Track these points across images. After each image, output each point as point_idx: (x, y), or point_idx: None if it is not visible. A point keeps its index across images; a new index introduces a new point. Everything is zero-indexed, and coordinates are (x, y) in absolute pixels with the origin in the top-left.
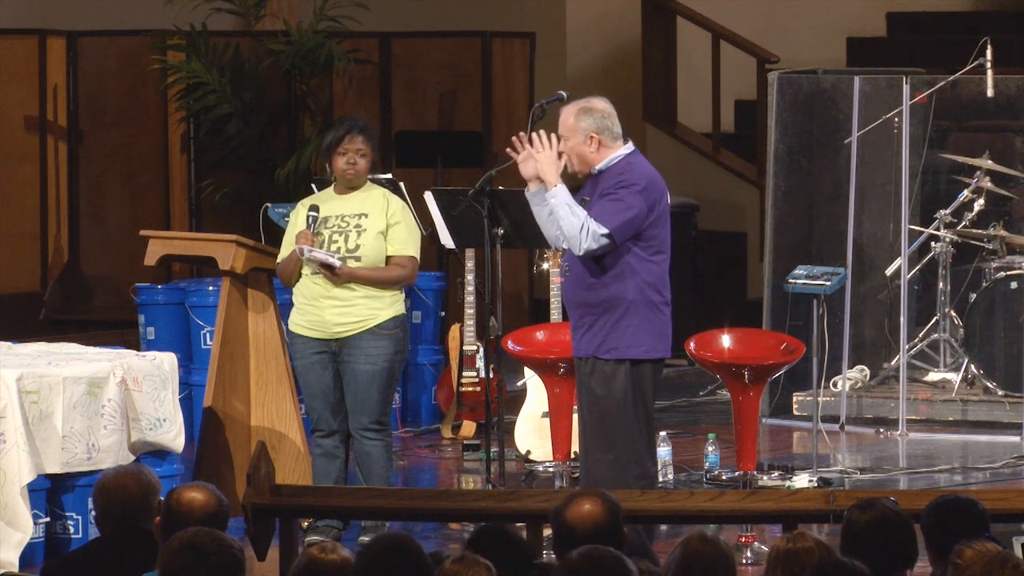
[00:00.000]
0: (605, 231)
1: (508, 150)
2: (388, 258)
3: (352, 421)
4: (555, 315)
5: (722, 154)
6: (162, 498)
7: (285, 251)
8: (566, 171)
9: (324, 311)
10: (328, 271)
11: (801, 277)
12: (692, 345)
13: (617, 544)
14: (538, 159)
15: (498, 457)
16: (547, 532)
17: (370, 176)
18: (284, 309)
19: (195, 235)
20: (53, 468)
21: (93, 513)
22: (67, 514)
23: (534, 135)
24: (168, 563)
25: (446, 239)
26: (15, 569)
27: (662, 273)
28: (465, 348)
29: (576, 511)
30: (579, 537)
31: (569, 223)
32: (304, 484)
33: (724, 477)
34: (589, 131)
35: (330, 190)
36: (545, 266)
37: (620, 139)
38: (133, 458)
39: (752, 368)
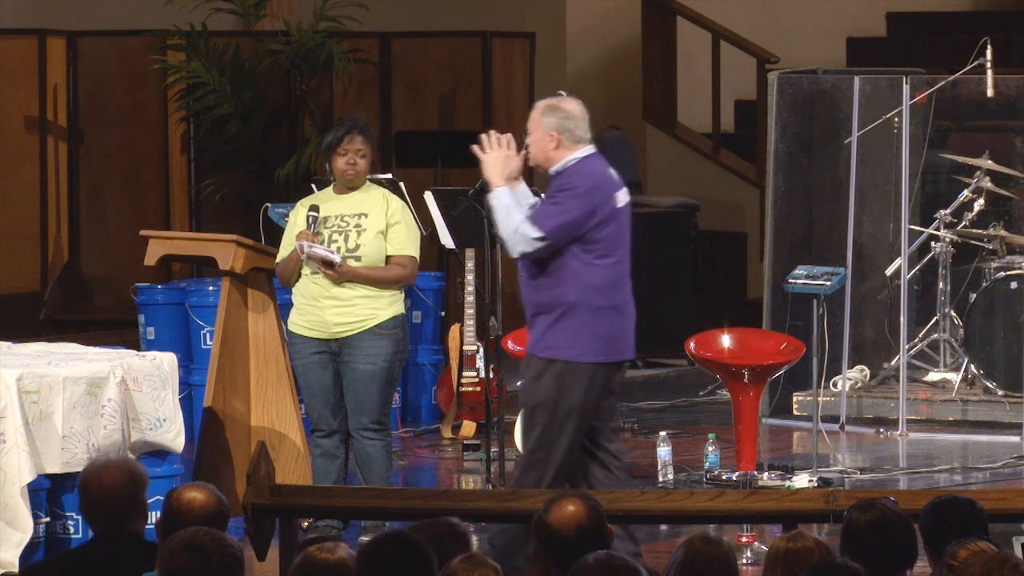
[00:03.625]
0: (538, 234)
1: (475, 148)
2: (388, 258)
3: (352, 421)
4: None
5: (722, 154)
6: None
7: (284, 251)
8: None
9: (324, 311)
10: (328, 268)
11: (801, 277)
12: (692, 345)
13: (604, 544)
14: (484, 160)
15: (498, 457)
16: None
17: (370, 176)
18: (284, 309)
19: (195, 235)
20: (53, 468)
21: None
22: (67, 514)
23: (483, 136)
24: (168, 563)
25: (446, 239)
26: (15, 569)
27: (609, 276)
28: (465, 348)
29: (559, 514)
30: (564, 539)
31: (504, 225)
32: (304, 484)
33: (724, 477)
34: (550, 129)
35: (329, 190)
36: None
37: (582, 143)
38: (133, 458)
39: (752, 368)
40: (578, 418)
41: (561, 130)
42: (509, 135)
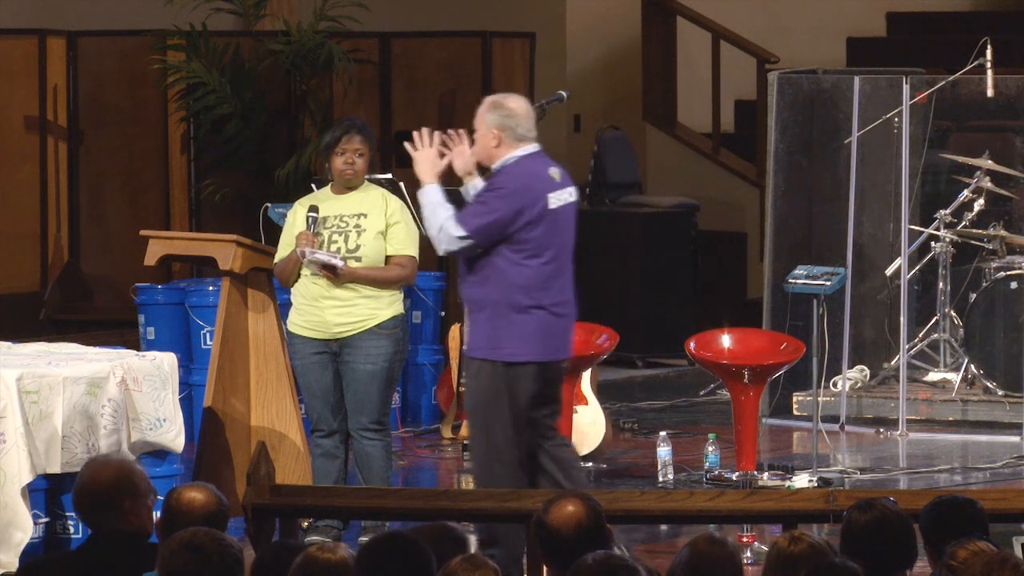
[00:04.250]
0: (462, 233)
1: (407, 144)
2: (388, 258)
3: (351, 421)
4: None
5: (722, 154)
6: (161, 498)
7: (283, 251)
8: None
9: (325, 311)
10: (330, 272)
11: (801, 277)
12: (692, 345)
13: (603, 544)
14: (415, 157)
15: None
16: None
17: (369, 176)
18: (284, 309)
19: (195, 235)
20: (53, 468)
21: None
22: (67, 514)
23: (415, 133)
24: (168, 563)
25: None
26: (15, 569)
27: (537, 277)
28: (465, 348)
29: (559, 514)
30: (564, 539)
31: (430, 223)
32: (304, 484)
33: (724, 477)
34: (492, 126)
35: (327, 190)
36: None
37: (525, 141)
38: (133, 458)
39: (752, 368)
40: (514, 416)
41: (502, 128)
42: (435, 132)
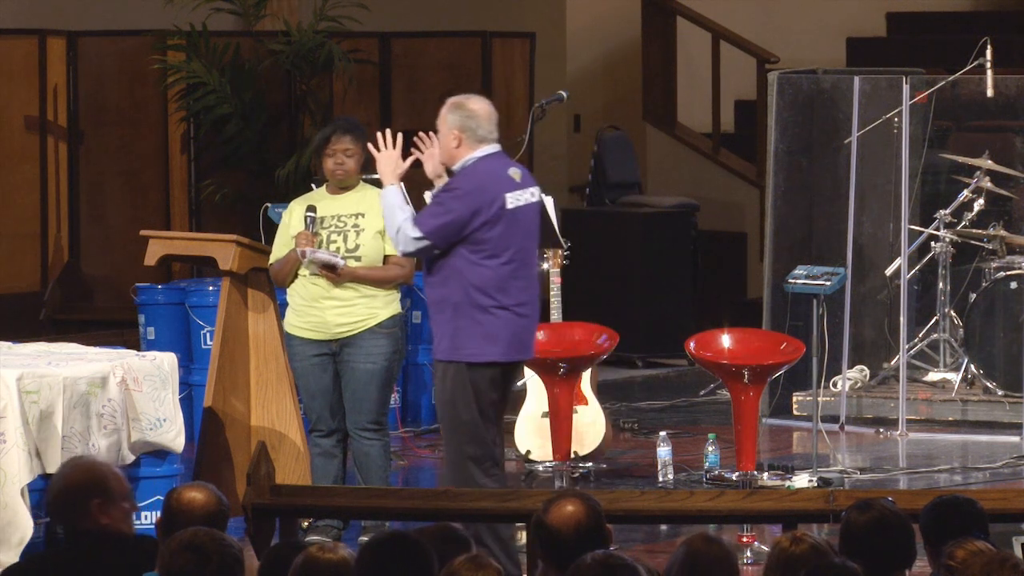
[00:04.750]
0: (418, 234)
1: (370, 146)
2: (386, 257)
3: (350, 421)
4: (555, 315)
5: (722, 154)
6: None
7: (279, 251)
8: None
9: (325, 312)
10: (330, 272)
11: (801, 277)
12: (692, 345)
13: (603, 544)
14: (377, 158)
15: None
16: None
17: (368, 176)
18: (284, 309)
19: (195, 235)
20: (53, 468)
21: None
22: None
23: (378, 134)
24: (168, 563)
25: None
26: None
27: (496, 277)
28: None
29: (558, 514)
30: (564, 539)
31: (390, 224)
32: (304, 484)
33: (724, 477)
34: (453, 127)
35: (323, 190)
36: (545, 266)
37: (486, 142)
38: (133, 458)
39: (752, 368)
40: (480, 416)
41: (463, 129)
42: (399, 133)
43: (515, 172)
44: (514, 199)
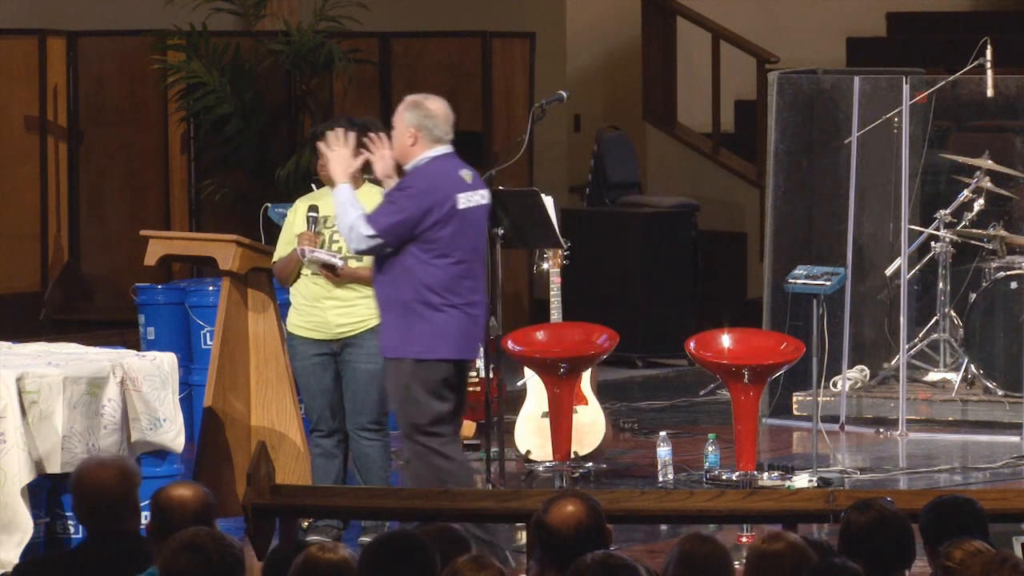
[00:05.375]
0: (371, 232)
1: (320, 145)
2: None
3: (350, 421)
4: (555, 315)
5: (722, 154)
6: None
7: (282, 250)
8: None
9: (326, 312)
10: (330, 271)
11: (801, 277)
12: (692, 345)
13: (603, 544)
14: (329, 156)
15: (498, 457)
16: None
17: (368, 176)
18: (284, 309)
19: (195, 235)
20: (53, 468)
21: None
22: (67, 514)
23: (329, 133)
24: (169, 563)
25: None
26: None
27: (447, 276)
28: None
29: (559, 513)
30: (565, 539)
31: (342, 222)
32: (304, 484)
33: (724, 477)
34: (410, 125)
35: (326, 189)
36: (545, 266)
37: (441, 142)
38: (133, 458)
39: (752, 368)
40: (434, 413)
41: (420, 128)
42: (350, 132)
43: (466, 173)
44: (466, 200)
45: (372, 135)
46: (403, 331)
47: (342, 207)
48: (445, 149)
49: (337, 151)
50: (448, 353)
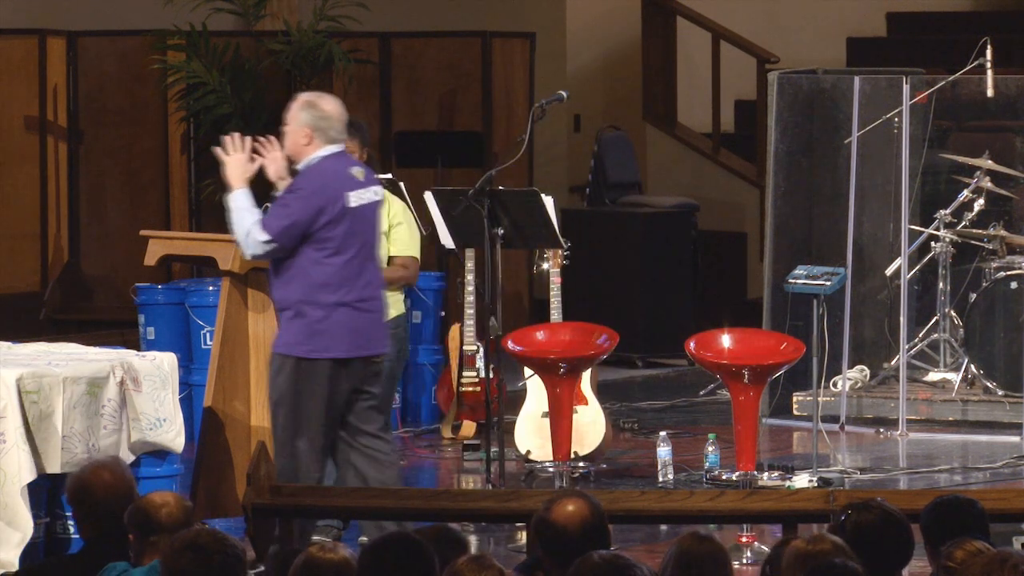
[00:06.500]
0: (266, 238)
1: (217, 150)
2: (390, 258)
3: None
4: (555, 315)
5: (722, 154)
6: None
7: None
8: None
9: None
10: None
11: (801, 277)
12: (692, 345)
13: (605, 543)
14: (225, 162)
15: (498, 457)
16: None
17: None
18: None
19: (195, 235)
20: (53, 468)
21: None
22: (67, 514)
23: (225, 138)
24: (170, 563)
25: (446, 239)
26: (15, 569)
27: (341, 274)
28: (465, 348)
29: (562, 512)
30: (569, 538)
31: (238, 228)
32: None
33: (724, 477)
34: (304, 125)
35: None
36: (545, 266)
37: (334, 143)
38: (133, 458)
39: (752, 368)
40: (318, 413)
41: (314, 128)
42: (249, 137)
43: (358, 171)
44: (356, 197)
45: (263, 139)
46: (295, 329)
47: (238, 213)
48: (336, 148)
49: (233, 156)
50: (337, 352)
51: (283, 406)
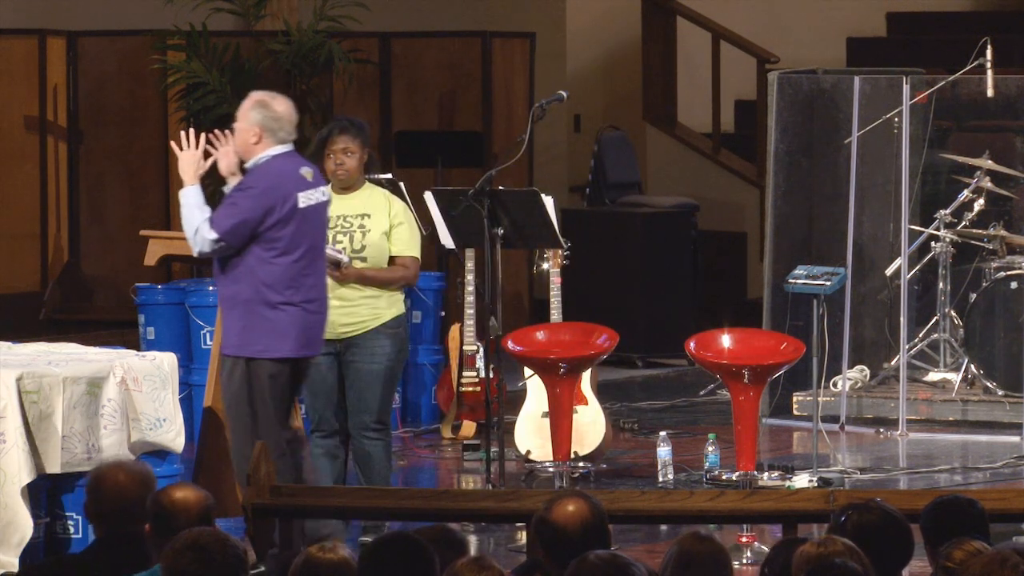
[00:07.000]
0: (215, 236)
1: (173, 144)
2: (391, 258)
3: (353, 420)
4: (555, 315)
5: (722, 154)
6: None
7: None
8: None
9: (331, 312)
10: (334, 268)
11: (801, 277)
12: (692, 345)
13: (606, 543)
14: (180, 157)
15: (498, 457)
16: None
17: (369, 176)
18: None
19: None
20: (53, 468)
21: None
22: (67, 514)
23: (181, 133)
24: (172, 563)
25: (446, 239)
26: (15, 569)
27: (288, 274)
28: (465, 348)
29: (562, 512)
30: (569, 538)
31: (188, 225)
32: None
33: (724, 477)
34: (254, 124)
35: (329, 188)
36: (545, 266)
37: (283, 144)
38: (133, 458)
39: (752, 368)
40: (270, 412)
41: (264, 127)
42: (205, 133)
43: (307, 171)
44: (306, 198)
45: (216, 132)
46: (243, 330)
47: (189, 209)
48: (286, 148)
49: (186, 152)
50: (286, 352)
51: (238, 408)
